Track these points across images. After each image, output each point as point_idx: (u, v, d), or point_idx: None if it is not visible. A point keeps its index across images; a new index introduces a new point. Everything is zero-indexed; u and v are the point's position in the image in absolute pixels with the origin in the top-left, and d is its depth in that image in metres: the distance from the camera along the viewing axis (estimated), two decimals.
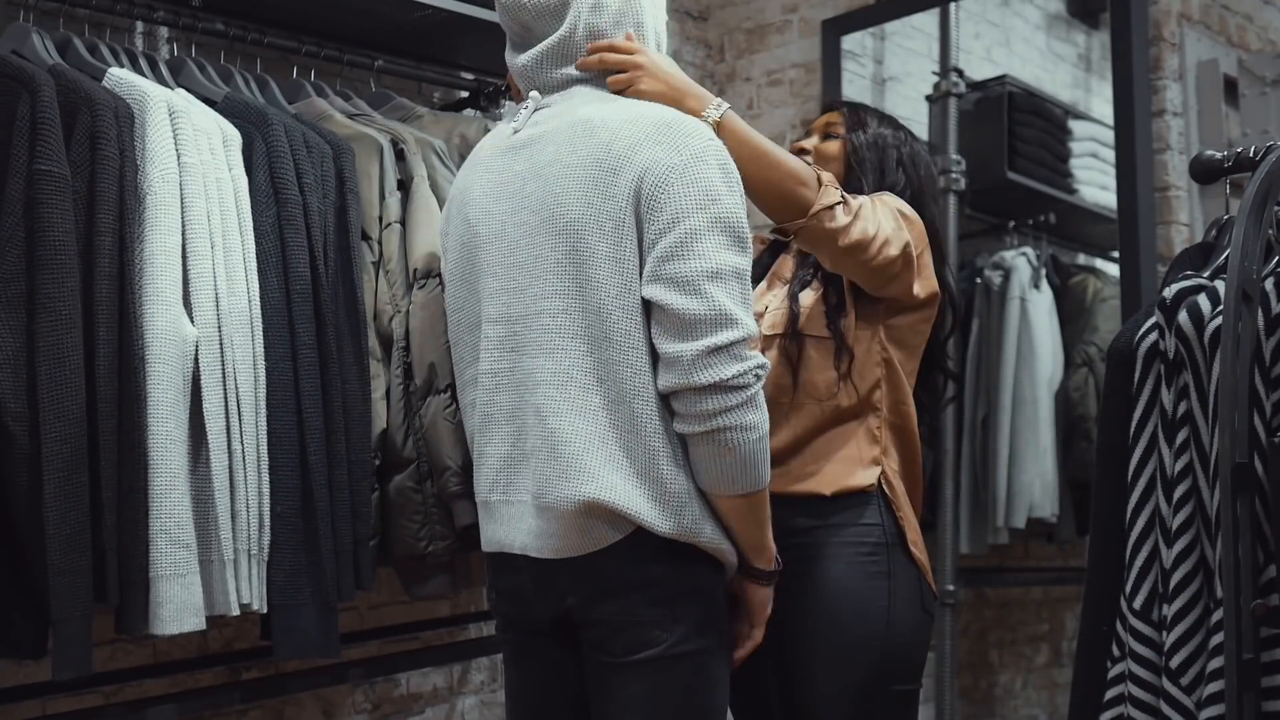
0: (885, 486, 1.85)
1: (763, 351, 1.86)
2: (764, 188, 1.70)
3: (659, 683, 1.54)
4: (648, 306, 1.51)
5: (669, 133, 1.51)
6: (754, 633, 1.66)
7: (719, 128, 1.65)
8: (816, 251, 1.80)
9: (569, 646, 1.63)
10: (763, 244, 2.08)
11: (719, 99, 1.69)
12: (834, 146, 1.99)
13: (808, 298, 1.89)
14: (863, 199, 1.80)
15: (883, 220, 1.78)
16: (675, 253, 1.48)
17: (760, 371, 1.50)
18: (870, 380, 1.86)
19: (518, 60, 1.67)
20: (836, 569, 1.81)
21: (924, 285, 1.87)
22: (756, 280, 2.00)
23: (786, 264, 1.99)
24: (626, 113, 1.55)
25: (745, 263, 1.52)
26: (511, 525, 1.60)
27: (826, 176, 1.75)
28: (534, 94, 1.65)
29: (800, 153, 1.99)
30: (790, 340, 1.87)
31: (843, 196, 1.74)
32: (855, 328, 1.86)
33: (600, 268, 1.51)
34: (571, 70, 1.63)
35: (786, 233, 1.75)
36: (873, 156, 1.96)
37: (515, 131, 1.64)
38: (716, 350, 1.46)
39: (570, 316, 1.52)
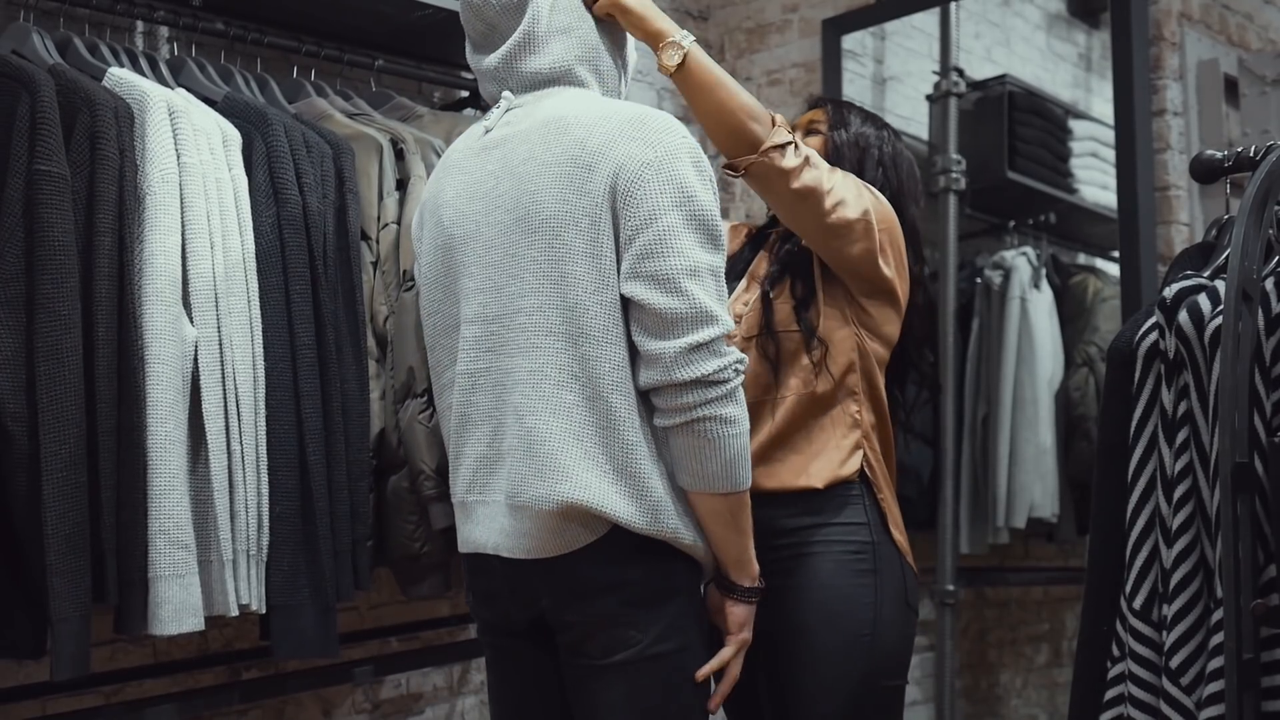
0: (868, 470, 1.86)
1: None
2: (718, 115, 1.71)
3: (638, 684, 1.53)
4: (625, 303, 1.51)
5: (643, 129, 1.52)
6: (723, 652, 1.63)
7: (686, 56, 1.67)
8: (768, 195, 1.80)
9: (547, 649, 1.62)
10: (746, 238, 2.08)
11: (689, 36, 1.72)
12: (814, 143, 1.98)
13: (777, 294, 1.89)
14: (823, 162, 1.81)
15: (840, 182, 1.79)
16: (653, 250, 1.49)
17: (739, 367, 1.52)
18: (843, 364, 1.86)
19: (484, 62, 1.66)
20: (825, 568, 1.82)
21: (894, 271, 1.87)
22: (737, 277, 2.01)
23: (762, 263, 1.99)
24: (600, 109, 1.55)
25: (720, 260, 1.53)
26: (485, 525, 1.59)
27: (780, 118, 1.76)
28: (506, 94, 1.64)
29: None
30: (766, 339, 1.87)
31: (794, 140, 1.75)
32: (825, 315, 1.86)
33: (577, 264, 1.51)
34: (541, 65, 1.61)
35: (736, 169, 1.75)
36: (852, 155, 1.96)
37: (487, 131, 1.64)
38: (697, 347, 1.48)
39: (546, 314, 1.52)
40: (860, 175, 1.95)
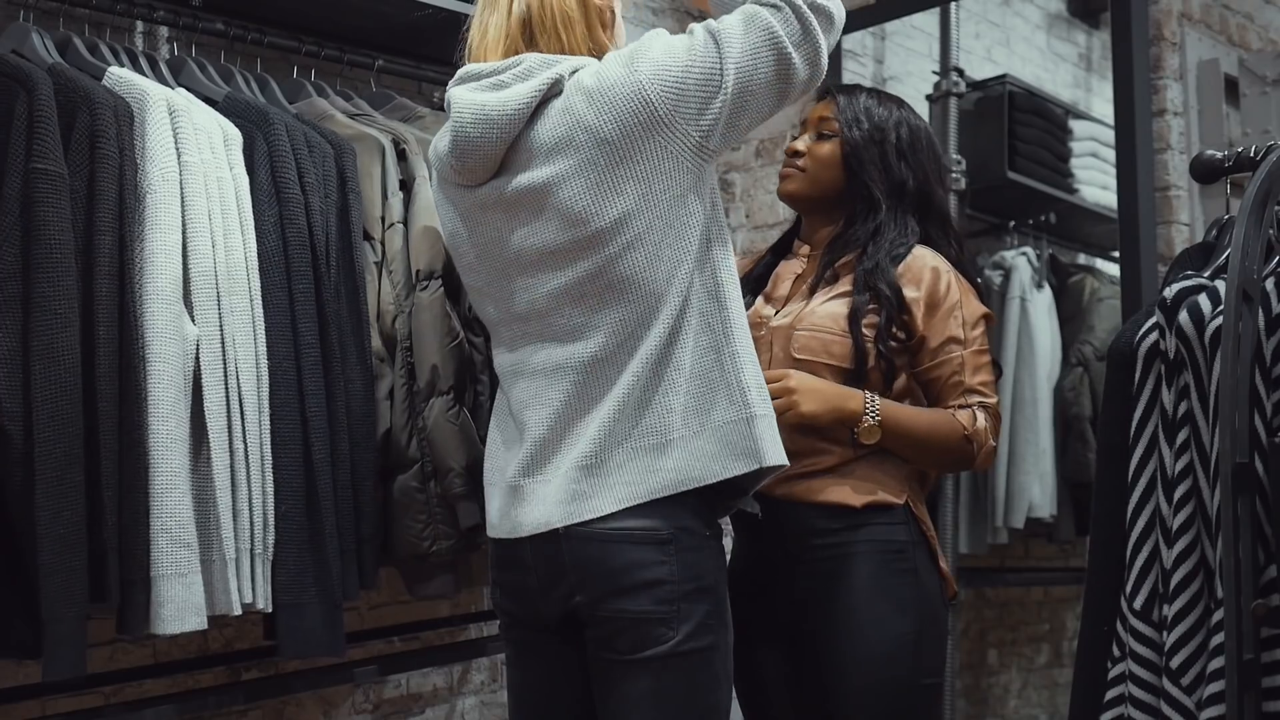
0: (911, 505, 1.88)
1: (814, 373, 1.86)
2: (924, 454, 1.88)
3: (664, 680, 1.55)
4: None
5: (597, 96, 1.55)
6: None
7: (884, 420, 1.81)
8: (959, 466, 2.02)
9: (574, 644, 1.63)
10: (760, 258, 2.08)
11: (868, 394, 1.82)
12: (829, 149, 1.93)
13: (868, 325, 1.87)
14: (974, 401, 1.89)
15: (990, 392, 1.91)
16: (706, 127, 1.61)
17: None
18: None
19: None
20: (868, 568, 1.82)
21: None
22: (761, 281, 2.01)
23: (810, 271, 1.96)
24: (572, 94, 1.57)
25: None
26: (541, 504, 1.59)
27: (966, 420, 1.86)
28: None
29: (794, 154, 1.96)
30: (850, 378, 1.85)
31: (975, 429, 1.87)
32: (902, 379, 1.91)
33: (612, 243, 1.54)
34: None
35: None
36: (872, 153, 1.91)
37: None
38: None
39: (587, 302, 1.56)
40: (885, 171, 1.92)
